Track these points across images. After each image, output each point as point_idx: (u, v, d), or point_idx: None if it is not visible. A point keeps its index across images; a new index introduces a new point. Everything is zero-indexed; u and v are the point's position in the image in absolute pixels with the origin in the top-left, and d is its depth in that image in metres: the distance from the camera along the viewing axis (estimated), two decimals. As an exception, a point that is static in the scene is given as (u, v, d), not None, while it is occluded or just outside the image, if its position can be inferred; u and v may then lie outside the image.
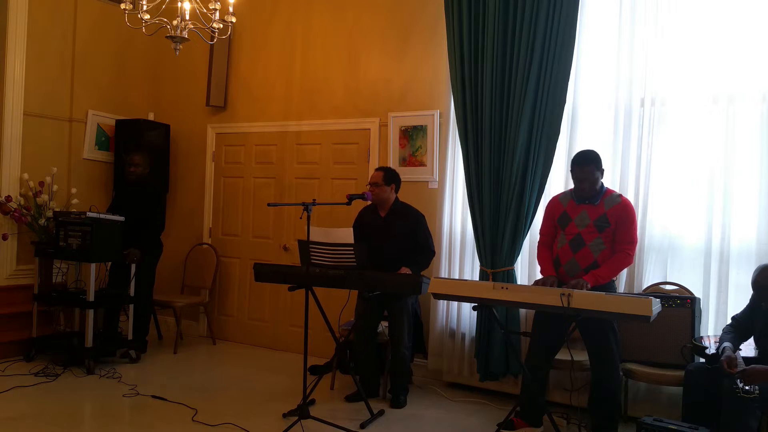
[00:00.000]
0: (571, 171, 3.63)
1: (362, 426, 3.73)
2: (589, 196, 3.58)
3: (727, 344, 3.15)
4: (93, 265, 4.65)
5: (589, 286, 3.40)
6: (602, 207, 3.56)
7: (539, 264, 3.82)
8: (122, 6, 3.91)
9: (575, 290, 3.16)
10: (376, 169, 4.34)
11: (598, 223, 3.54)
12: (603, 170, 3.60)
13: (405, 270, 4.04)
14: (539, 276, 3.79)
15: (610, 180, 4.00)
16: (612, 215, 3.53)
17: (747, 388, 2.87)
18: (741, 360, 3.04)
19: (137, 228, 5.00)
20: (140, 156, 5.22)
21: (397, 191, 4.31)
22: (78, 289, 5.12)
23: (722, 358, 3.04)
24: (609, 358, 3.51)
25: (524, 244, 4.31)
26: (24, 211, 5.25)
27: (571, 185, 4.11)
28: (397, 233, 4.23)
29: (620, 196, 3.63)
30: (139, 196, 5.16)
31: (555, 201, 3.79)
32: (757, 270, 3.25)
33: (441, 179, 4.72)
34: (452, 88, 4.54)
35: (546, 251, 3.78)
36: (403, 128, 4.97)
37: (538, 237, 4.29)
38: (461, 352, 4.56)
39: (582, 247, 3.56)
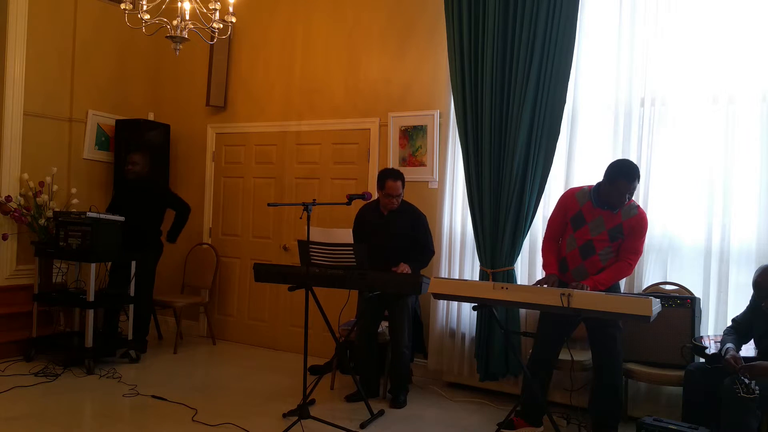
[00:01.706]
0: (614, 181, 3.40)
1: (362, 426, 3.74)
2: (616, 207, 3.48)
3: (729, 345, 3.14)
4: (93, 265, 4.65)
5: (587, 289, 3.37)
6: (620, 217, 3.49)
7: (543, 257, 3.74)
8: (122, 6, 3.91)
9: (576, 291, 3.15)
10: (392, 179, 4.13)
11: (613, 233, 3.49)
12: None
13: (404, 266, 4.02)
14: (540, 273, 3.78)
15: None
16: (627, 226, 3.48)
17: (746, 381, 2.87)
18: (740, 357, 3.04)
19: (142, 228, 5.02)
20: (140, 155, 5.22)
21: None
22: (78, 289, 5.13)
23: (727, 357, 3.03)
24: (614, 358, 3.50)
25: (524, 244, 4.31)
26: (24, 211, 5.25)
27: (573, 184, 4.13)
28: (398, 231, 4.22)
29: (638, 207, 3.54)
30: (143, 196, 5.16)
31: (571, 197, 3.64)
32: (758, 270, 3.24)
33: (441, 179, 4.72)
34: (452, 88, 4.54)
35: (553, 245, 3.70)
36: (403, 128, 4.97)
37: (538, 237, 4.30)
38: (461, 352, 4.56)
39: (592, 255, 3.52)
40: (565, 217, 3.64)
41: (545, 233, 3.79)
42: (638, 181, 3.47)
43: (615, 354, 3.50)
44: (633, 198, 3.54)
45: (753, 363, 2.95)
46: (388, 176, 4.17)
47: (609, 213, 3.50)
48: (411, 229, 4.23)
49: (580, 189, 3.66)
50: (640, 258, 3.94)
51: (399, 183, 4.15)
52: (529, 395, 3.63)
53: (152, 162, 5.50)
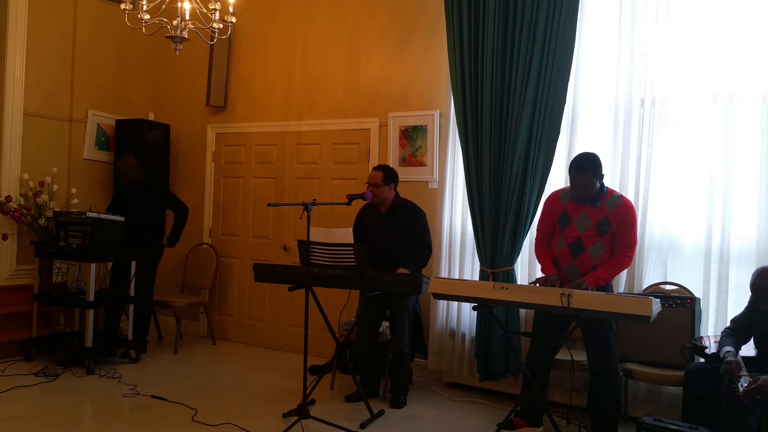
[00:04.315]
0: (569, 174, 3.56)
1: (362, 426, 3.74)
2: (587, 200, 3.54)
3: (729, 349, 3.11)
4: (93, 265, 4.64)
5: (589, 286, 3.39)
6: (603, 209, 3.51)
7: (539, 262, 3.78)
8: (122, 6, 3.92)
9: (576, 290, 3.15)
10: (375, 169, 4.29)
11: (599, 227, 3.51)
12: (602, 175, 3.53)
13: (403, 271, 4.03)
14: (539, 274, 3.78)
15: (610, 180, 3.98)
16: (614, 218, 3.49)
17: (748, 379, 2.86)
18: (741, 360, 3.03)
19: (143, 228, 5.02)
20: (125, 163, 5.18)
21: (395, 188, 4.31)
22: (78, 289, 5.12)
23: (726, 361, 3.00)
24: (609, 357, 3.51)
25: (524, 244, 4.31)
26: (24, 211, 5.24)
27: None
28: (396, 228, 4.22)
29: (621, 197, 3.57)
30: (144, 196, 5.16)
31: (554, 199, 3.71)
32: (755, 273, 3.24)
33: (441, 179, 4.72)
34: (452, 88, 4.54)
35: (545, 248, 3.73)
36: (403, 128, 4.97)
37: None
38: (461, 352, 4.56)
39: (582, 252, 3.54)
40: (551, 219, 3.68)
41: (536, 238, 3.82)
42: (592, 172, 3.44)
43: (610, 354, 3.50)
44: (620, 191, 3.57)
45: (755, 385, 2.83)
46: (373, 167, 4.34)
47: (592, 208, 3.52)
48: (410, 226, 4.24)
49: (562, 190, 3.72)
50: (641, 258, 3.97)
51: (380, 173, 4.20)
52: (528, 395, 3.63)
53: (146, 162, 5.49)
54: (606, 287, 3.55)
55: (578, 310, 3.08)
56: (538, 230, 3.82)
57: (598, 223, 3.51)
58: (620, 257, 3.53)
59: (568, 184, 4.12)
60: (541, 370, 3.65)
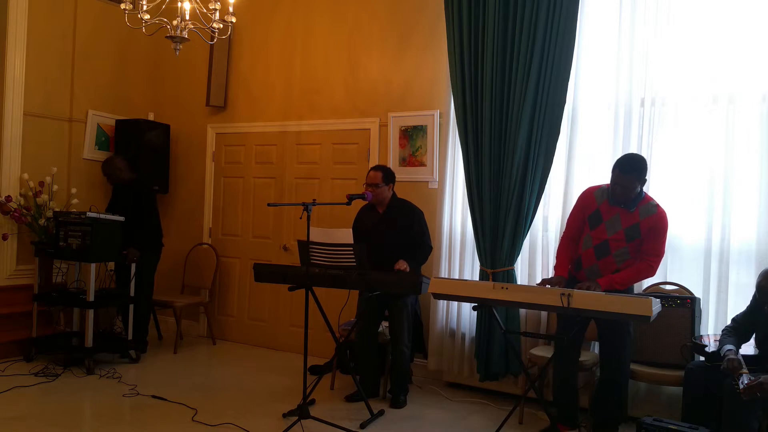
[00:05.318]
0: (612, 171, 3.40)
1: (362, 426, 3.74)
2: (623, 202, 3.43)
3: (730, 347, 3.11)
4: (93, 265, 4.65)
5: (600, 289, 3.34)
6: (637, 215, 3.41)
7: (556, 258, 3.71)
8: (122, 6, 3.91)
9: (576, 291, 3.14)
10: (373, 169, 4.29)
11: (629, 232, 3.41)
12: (645, 181, 3.43)
13: (402, 262, 4.01)
14: (540, 273, 3.77)
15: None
16: (645, 226, 3.40)
17: (752, 377, 2.85)
18: (742, 358, 3.03)
19: (132, 228, 5.01)
20: (111, 164, 5.18)
21: (393, 188, 4.31)
22: (78, 289, 5.13)
23: (728, 359, 3.01)
24: (620, 359, 3.48)
25: (524, 244, 4.31)
26: (24, 211, 5.24)
27: (573, 183, 4.15)
28: (395, 228, 4.22)
29: (657, 206, 3.44)
30: (131, 196, 5.15)
31: (589, 195, 3.59)
32: (762, 273, 3.22)
33: (441, 179, 4.72)
34: (452, 88, 4.54)
35: (570, 245, 3.64)
36: (403, 128, 4.97)
37: (538, 237, 4.30)
38: (461, 352, 4.56)
39: (607, 255, 3.47)
40: (582, 215, 3.59)
41: (564, 233, 3.75)
42: (636, 174, 3.35)
43: (622, 356, 3.47)
44: (652, 197, 3.50)
45: (756, 382, 2.87)
46: (371, 168, 4.35)
47: (626, 212, 3.43)
48: (408, 225, 4.24)
49: (599, 187, 3.60)
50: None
51: (379, 173, 4.21)
52: (561, 400, 3.63)
53: (146, 162, 5.46)
54: (627, 292, 3.46)
55: (578, 310, 3.08)
56: (567, 225, 3.73)
57: (629, 228, 3.42)
58: (643, 264, 3.44)
59: (569, 186, 4.16)
60: (569, 374, 3.62)
